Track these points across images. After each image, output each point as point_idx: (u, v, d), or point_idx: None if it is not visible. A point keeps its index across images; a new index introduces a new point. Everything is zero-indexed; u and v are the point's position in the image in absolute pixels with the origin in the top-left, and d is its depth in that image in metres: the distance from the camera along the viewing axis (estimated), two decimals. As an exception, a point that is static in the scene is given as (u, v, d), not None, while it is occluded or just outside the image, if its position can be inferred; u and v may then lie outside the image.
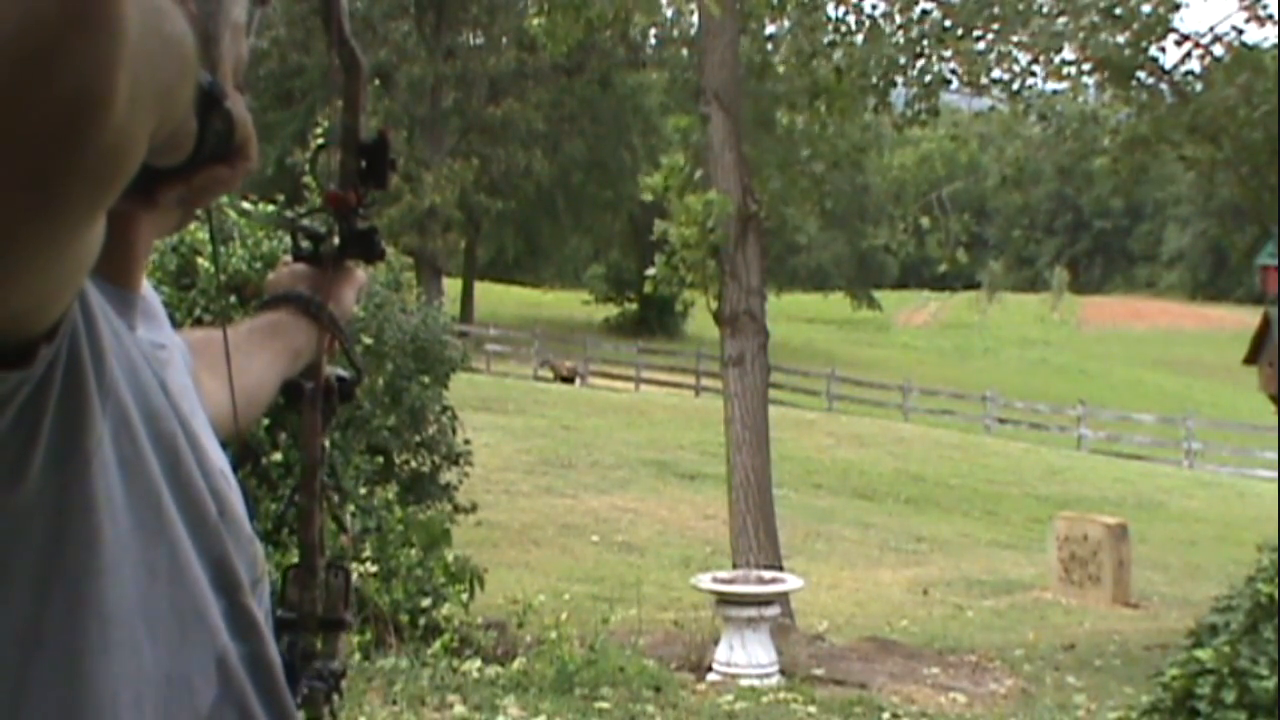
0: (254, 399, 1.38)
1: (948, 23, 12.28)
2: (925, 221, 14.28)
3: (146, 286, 1.16)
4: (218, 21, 1.07)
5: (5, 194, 0.72)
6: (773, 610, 9.46)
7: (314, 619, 1.35)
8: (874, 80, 12.36)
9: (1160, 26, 12.17)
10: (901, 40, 12.44)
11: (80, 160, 0.73)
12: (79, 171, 0.74)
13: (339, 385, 1.44)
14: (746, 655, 8.92)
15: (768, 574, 10.16)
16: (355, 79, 1.35)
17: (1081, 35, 12.10)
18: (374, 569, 7.34)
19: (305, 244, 1.47)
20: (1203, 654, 5.30)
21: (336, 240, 1.42)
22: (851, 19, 12.69)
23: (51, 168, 0.72)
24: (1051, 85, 13.24)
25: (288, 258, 1.50)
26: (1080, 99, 13.40)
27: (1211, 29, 12.71)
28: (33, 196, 0.73)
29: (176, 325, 1.24)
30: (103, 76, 0.71)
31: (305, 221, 1.48)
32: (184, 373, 1.17)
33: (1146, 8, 12.13)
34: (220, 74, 1.07)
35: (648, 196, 12.51)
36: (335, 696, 1.35)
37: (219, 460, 1.11)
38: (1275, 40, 18.29)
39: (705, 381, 29.92)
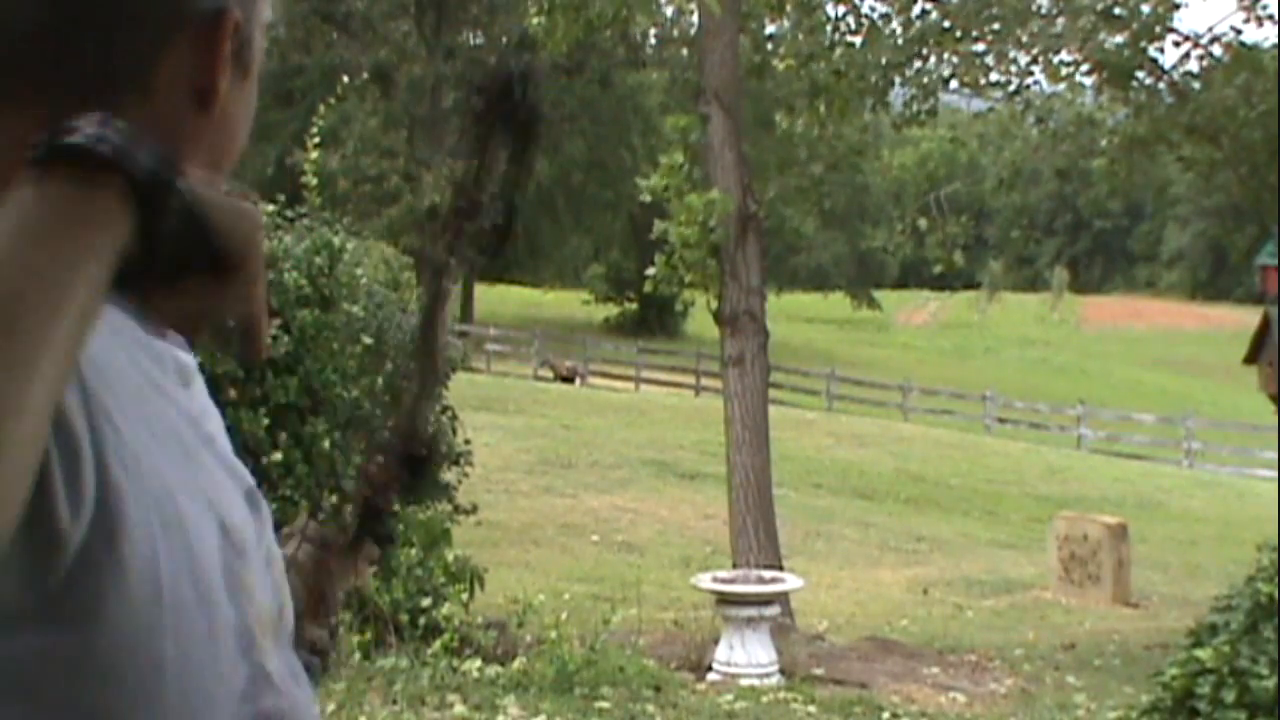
0: None
1: (946, 24, 12.28)
2: (923, 223, 14.29)
3: None
4: (253, 25, 1.04)
5: None
6: (773, 610, 9.46)
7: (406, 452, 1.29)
8: (873, 80, 12.35)
9: (1159, 27, 12.17)
10: (900, 41, 12.44)
11: None
12: None
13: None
14: (746, 655, 8.92)
15: (768, 574, 10.16)
16: (439, 283, 1.22)
17: (1080, 36, 12.10)
18: (374, 569, 7.33)
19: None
20: (1203, 654, 5.31)
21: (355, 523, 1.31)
22: (851, 19, 12.70)
23: None
24: (1050, 87, 13.25)
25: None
26: (1079, 100, 13.40)
27: (1210, 29, 12.71)
28: None
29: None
30: None
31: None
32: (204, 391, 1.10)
33: (1145, 8, 12.13)
34: (251, 76, 1.05)
35: (647, 198, 12.50)
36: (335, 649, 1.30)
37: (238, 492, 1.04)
38: (1274, 40, 18.29)
39: (705, 381, 29.91)
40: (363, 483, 1.26)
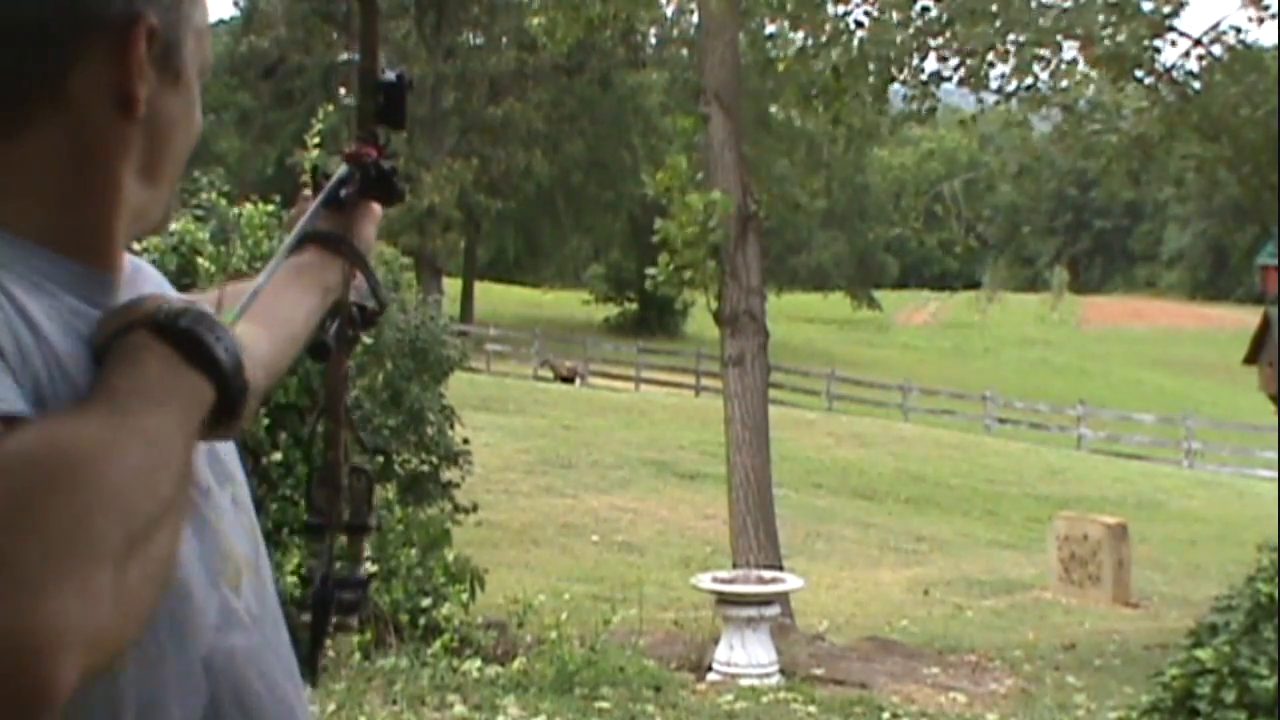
0: (292, 336, 1.39)
1: (947, 19, 12.26)
2: (938, 209, 14.35)
3: (141, 263, 1.16)
4: (179, 29, 1.07)
5: None
6: (773, 610, 9.46)
7: (340, 524, 1.40)
8: (872, 76, 12.32)
9: (1162, 25, 12.15)
10: (900, 39, 12.41)
11: None
12: None
13: (360, 313, 1.47)
14: (746, 655, 8.92)
15: (768, 574, 10.16)
16: (371, 18, 1.34)
17: (1083, 33, 12.09)
18: (374, 569, 7.34)
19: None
20: (1203, 654, 5.30)
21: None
22: (851, 18, 12.68)
23: None
24: (1053, 83, 13.22)
25: (307, 192, 1.49)
26: (1083, 100, 13.39)
27: (1213, 28, 12.70)
28: None
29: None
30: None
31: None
32: None
33: (1149, 6, 12.11)
34: (185, 79, 1.08)
35: (650, 193, 12.50)
36: (362, 605, 1.40)
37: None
38: (1275, 40, 18.27)
39: (705, 381, 29.91)
40: (352, 166, 1.37)
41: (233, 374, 0.95)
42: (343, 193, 1.42)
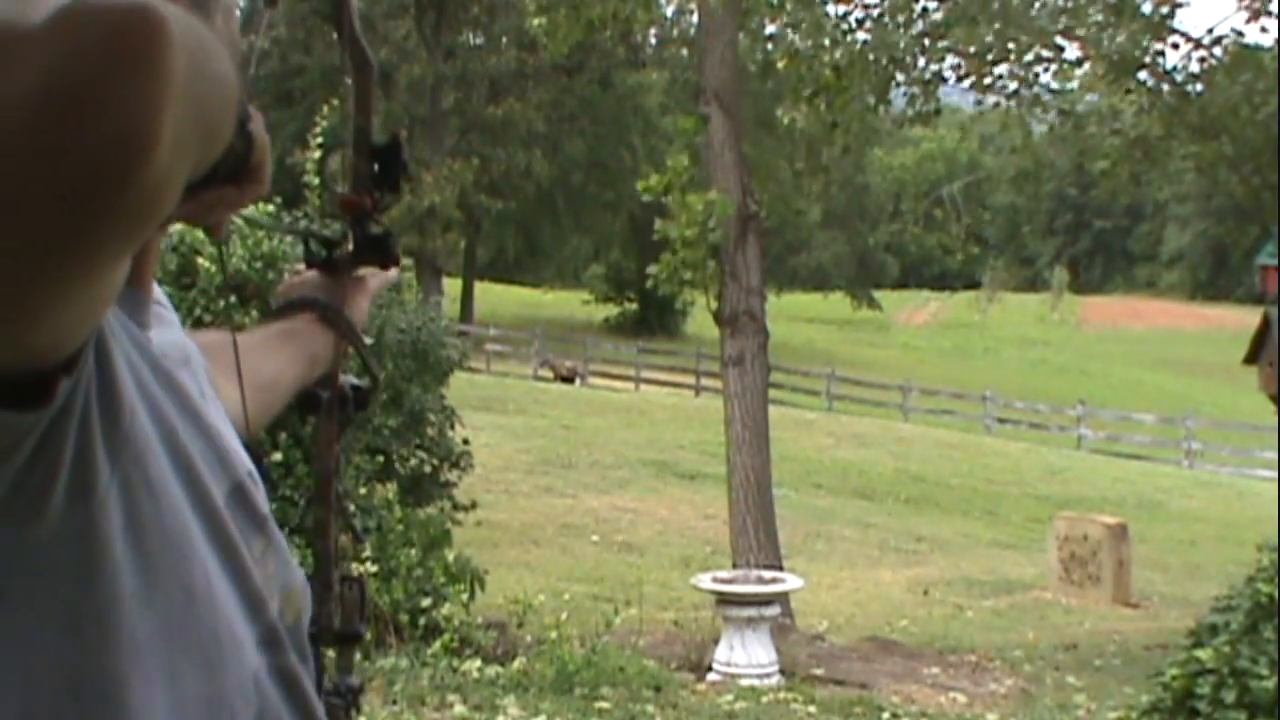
0: (269, 402, 1.36)
1: (948, 19, 12.26)
2: (938, 214, 14.36)
3: (156, 289, 1.15)
4: (207, 6, 1.06)
5: (39, 231, 0.72)
6: (773, 610, 9.46)
7: (330, 633, 1.34)
8: (875, 73, 12.31)
9: (1162, 26, 12.15)
10: (903, 41, 12.41)
11: (119, 201, 0.73)
12: (116, 212, 0.74)
13: (354, 394, 1.42)
14: (746, 655, 8.92)
15: (768, 574, 10.16)
16: (366, 79, 1.33)
17: (1083, 33, 12.09)
18: (374, 569, 7.34)
19: (316, 248, 1.43)
20: (1203, 654, 5.30)
21: (350, 246, 1.39)
22: (852, 18, 12.67)
23: (89, 208, 0.72)
24: (1054, 85, 13.22)
25: (300, 266, 1.47)
26: (1085, 98, 13.39)
27: (1211, 29, 12.70)
28: (67, 235, 0.73)
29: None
30: (148, 121, 0.72)
31: (314, 225, 1.46)
32: (203, 378, 1.16)
33: (1148, 7, 12.11)
34: None
35: (646, 198, 12.49)
36: (354, 712, 1.34)
37: (244, 463, 1.10)
38: (1275, 40, 18.26)
39: (705, 381, 29.91)
40: (345, 216, 1.36)
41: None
42: (336, 253, 1.39)
